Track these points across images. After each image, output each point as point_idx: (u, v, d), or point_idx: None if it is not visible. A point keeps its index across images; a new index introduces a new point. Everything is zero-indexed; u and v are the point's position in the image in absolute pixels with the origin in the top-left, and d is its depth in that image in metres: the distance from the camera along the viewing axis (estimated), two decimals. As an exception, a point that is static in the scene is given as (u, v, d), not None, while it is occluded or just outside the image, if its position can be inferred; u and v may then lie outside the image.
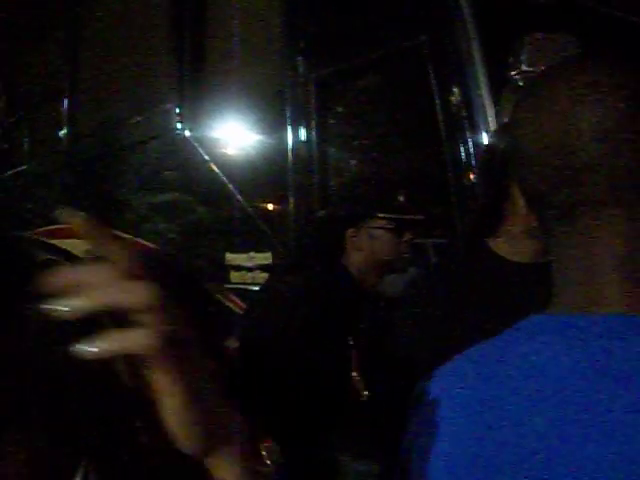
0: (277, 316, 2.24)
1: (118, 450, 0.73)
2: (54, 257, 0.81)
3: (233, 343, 1.96)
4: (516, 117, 0.78)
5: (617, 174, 0.70)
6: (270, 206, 3.35)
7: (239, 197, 3.32)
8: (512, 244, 1.76)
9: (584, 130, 0.70)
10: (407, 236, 2.38)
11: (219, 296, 3.15)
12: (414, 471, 0.81)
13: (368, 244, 2.37)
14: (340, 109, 3.12)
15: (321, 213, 2.78)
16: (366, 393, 2.22)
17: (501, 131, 1.98)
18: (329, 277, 2.35)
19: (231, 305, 3.16)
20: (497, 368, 0.75)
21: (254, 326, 2.33)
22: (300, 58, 3.09)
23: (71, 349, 0.54)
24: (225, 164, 3.49)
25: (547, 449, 0.65)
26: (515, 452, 0.68)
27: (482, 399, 0.75)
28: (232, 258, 3.30)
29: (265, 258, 3.16)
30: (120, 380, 0.61)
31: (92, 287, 0.53)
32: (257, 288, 2.82)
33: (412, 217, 2.39)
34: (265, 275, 3.06)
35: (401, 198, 2.44)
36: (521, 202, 1.70)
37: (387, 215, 2.36)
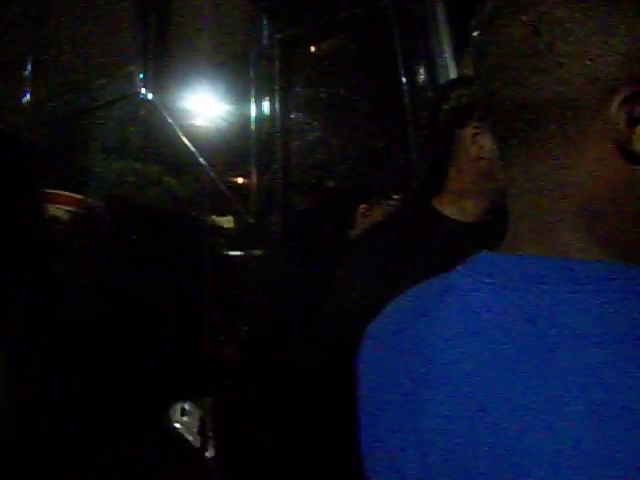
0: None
1: None
2: None
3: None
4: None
5: (510, 105, 0.66)
6: (234, 165, 3.34)
7: (201, 160, 3.30)
8: (456, 203, 1.78)
9: (489, 55, 0.67)
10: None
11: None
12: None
13: (375, 216, 2.36)
14: (304, 71, 3.10)
15: (330, 184, 2.78)
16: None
17: (445, 88, 1.99)
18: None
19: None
20: (433, 304, 0.74)
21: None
22: (264, 20, 3.05)
23: None
24: (189, 127, 3.46)
25: (475, 386, 0.64)
26: (444, 389, 0.67)
27: (415, 335, 0.74)
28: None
29: (226, 222, 3.15)
30: None
31: None
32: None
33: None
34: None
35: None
36: (464, 162, 1.72)
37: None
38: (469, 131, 1.73)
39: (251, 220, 3.02)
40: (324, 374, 1.87)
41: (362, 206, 2.37)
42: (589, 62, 0.62)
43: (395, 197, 2.34)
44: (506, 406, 0.60)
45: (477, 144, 1.72)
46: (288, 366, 2.23)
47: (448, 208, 1.79)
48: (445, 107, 1.76)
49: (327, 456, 2.02)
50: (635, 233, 0.65)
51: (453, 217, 1.77)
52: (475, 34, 0.72)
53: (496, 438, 0.60)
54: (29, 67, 4.79)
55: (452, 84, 2.01)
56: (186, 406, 2.74)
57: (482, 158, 1.72)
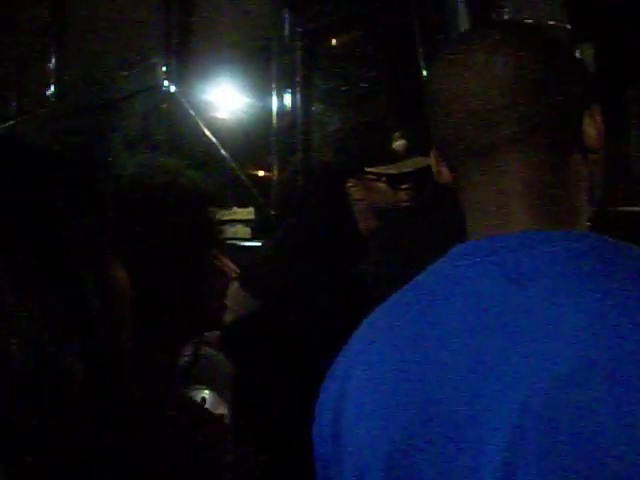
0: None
1: None
2: None
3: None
4: (433, 75, 0.88)
5: (527, 115, 0.80)
6: (255, 157, 3.36)
7: (223, 152, 3.33)
8: None
9: (499, 77, 0.80)
10: (406, 185, 2.31)
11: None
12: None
13: (365, 195, 2.36)
14: (325, 64, 3.11)
15: (318, 165, 2.78)
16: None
17: None
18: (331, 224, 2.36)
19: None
20: (425, 290, 0.84)
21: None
22: (286, 13, 3.07)
23: None
24: (211, 119, 3.49)
25: (471, 354, 0.74)
26: (441, 365, 0.76)
27: (412, 320, 0.82)
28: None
29: (247, 213, 3.17)
30: None
31: None
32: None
33: (408, 167, 2.30)
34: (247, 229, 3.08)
35: (396, 147, 2.38)
36: None
37: (381, 167, 2.33)
38: None
39: (272, 211, 3.04)
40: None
41: (349, 181, 2.35)
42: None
43: (374, 170, 2.32)
44: (499, 354, 0.72)
45: None
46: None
47: None
48: None
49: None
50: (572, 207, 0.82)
51: None
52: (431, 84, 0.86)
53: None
54: (53, 59, 4.84)
55: None
56: (206, 394, 2.77)
57: None
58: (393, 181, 2.31)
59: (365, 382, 0.83)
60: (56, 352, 0.71)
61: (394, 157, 2.30)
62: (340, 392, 0.86)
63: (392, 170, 2.29)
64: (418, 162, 2.27)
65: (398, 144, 2.31)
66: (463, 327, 0.75)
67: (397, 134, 2.32)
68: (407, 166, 2.28)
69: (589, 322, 0.68)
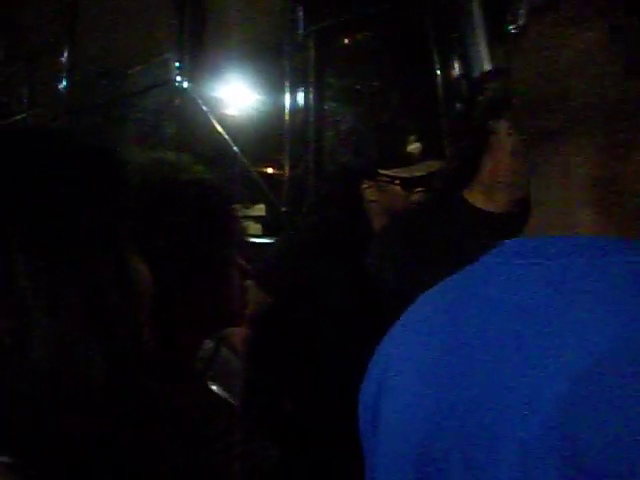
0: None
1: None
2: None
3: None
4: (510, 55, 0.84)
5: (592, 103, 0.74)
6: (267, 154, 3.36)
7: (235, 148, 3.33)
8: (487, 194, 1.79)
9: (566, 59, 0.74)
10: (419, 188, 2.33)
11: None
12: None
13: (379, 197, 2.37)
14: (338, 62, 3.11)
15: (334, 166, 2.79)
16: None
17: (481, 80, 1.98)
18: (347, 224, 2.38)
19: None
20: (467, 288, 0.81)
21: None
22: (299, 11, 3.07)
23: None
24: (223, 116, 3.49)
25: (507, 358, 0.71)
26: (479, 364, 0.73)
27: (452, 316, 0.80)
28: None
29: (259, 210, 3.18)
30: None
31: None
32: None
33: (421, 171, 2.33)
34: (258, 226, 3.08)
35: (411, 150, 2.39)
36: (498, 154, 1.73)
37: (395, 170, 2.35)
38: (504, 123, 1.73)
39: (283, 209, 3.05)
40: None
41: (364, 186, 2.37)
42: None
43: (386, 172, 2.34)
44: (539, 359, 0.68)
45: (512, 137, 1.72)
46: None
47: (479, 199, 1.80)
48: (481, 99, 1.77)
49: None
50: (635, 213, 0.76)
51: (484, 208, 1.79)
52: (532, 32, 0.79)
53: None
54: (65, 54, 4.84)
55: (488, 76, 2.01)
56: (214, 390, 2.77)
57: (516, 150, 1.72)
58: (406, 184, 2.33)
59: (405, 366, 0.82)
60: (76, 350, 0.71)
61: (408, 160, 2.32)
62: (382, 372, 0.85)
63: (405, 174, 2.31)
64: (431, 166, 2.29)
65: (413, 147, 2.32)
66: (499, 326, 0.73)
67: (412, 137, 2.33)
68: (420, 170, 2.30)
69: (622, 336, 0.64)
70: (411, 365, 0.82)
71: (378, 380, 0.86)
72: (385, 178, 2.33)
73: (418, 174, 2.30)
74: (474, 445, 0.71)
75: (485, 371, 0.72)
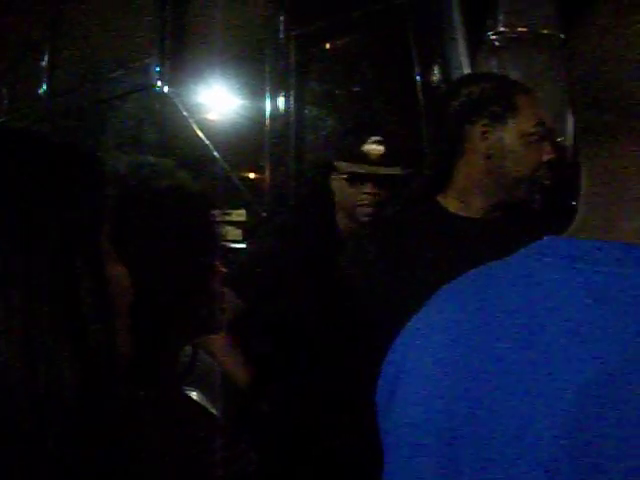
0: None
1: None
2: None
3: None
4: (570, 37, 0.76)
5: (629, 98, 0.68)
6: (247, 159, 3.36)
7: (215, 153, 3.33)
8: (462, 200, 1.79)
9: (619, 47, 0.68)
10: (369, 188, 2.29)
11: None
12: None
13: (336, 192, 2.36)
14: (319, 67, 3.11)
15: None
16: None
17: (456, 84, 1.99)
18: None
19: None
20: (494, 287, 0.76)
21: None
22: (280, 16, 3.07)
23: None
24: (204, 120, 3.49)
25: (534, 365, 0.67)
26: (503, 369, 0.69)
27: (475, 316, 0.76)
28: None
29: (239, 215, 3.18)
30: None
31: None
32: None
33: (375, 169, 2.29)
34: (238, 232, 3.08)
35: (367, 150, 2.31)
36: (472, 158, 1.73)
37: (349, 165, 2.30)
38: (478, 128, 1.74)
39: (264, 213, 3.05)
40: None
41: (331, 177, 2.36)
42: None
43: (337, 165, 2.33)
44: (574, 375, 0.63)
45: (486, 141, 1.73)
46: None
47: (453, 204, 1.80)
48: (455, 103, 1.77)
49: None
50: None
51: (458, 213, 1.79)
52: (582, 25, 0.73)
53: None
54: (46, 58, 4.82)
55: (463, 80, 2.01)
56: (194, 395, 2.77)
57: (490, 155, 1.73)
58: (353, 180, 2.30)
59: (422, 357, 0.79)
60: (46, 352, 0.70)
61: (365, 160, 2.28)
62: (400, 363, 0.82)
63: (352, 168, 2.28)
64: (384, 170, 2.27)
65: (372, 148, 2.30)
66: (525, 329, 0.68)
67: (373, 138, 2.30)
68: (375, 170, 2.27)
69: None
70: (427, 369, 0.78)
71: (392, 381, 0.83)
72: (338, 171, 2.32)
73: (364, 171, 2.28)
74: (489, 452, 0.67)
75: (509, 381, 0.68)
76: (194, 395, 2.81)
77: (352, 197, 2.31)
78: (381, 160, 2.29)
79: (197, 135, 3.42)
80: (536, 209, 1.85)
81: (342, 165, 2.31)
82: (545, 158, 1.74)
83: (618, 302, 0.64)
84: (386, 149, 2.29)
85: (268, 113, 3.11)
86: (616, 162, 0.70)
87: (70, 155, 0.81)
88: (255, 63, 3.23)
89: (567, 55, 0.74)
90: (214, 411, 2.63)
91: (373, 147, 2.30)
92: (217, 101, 3.52)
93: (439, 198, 1.81)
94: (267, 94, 3.12)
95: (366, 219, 2.29)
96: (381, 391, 0.86)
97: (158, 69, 3.72)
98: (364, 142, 2.30)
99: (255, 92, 3.22)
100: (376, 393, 0.87)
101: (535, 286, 0.70)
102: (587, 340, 0.63)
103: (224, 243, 3.12)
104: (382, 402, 0.85)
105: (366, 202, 2.29)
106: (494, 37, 2.17)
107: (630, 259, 0.66)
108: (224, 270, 1.22)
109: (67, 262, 0.74)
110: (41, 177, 0.76)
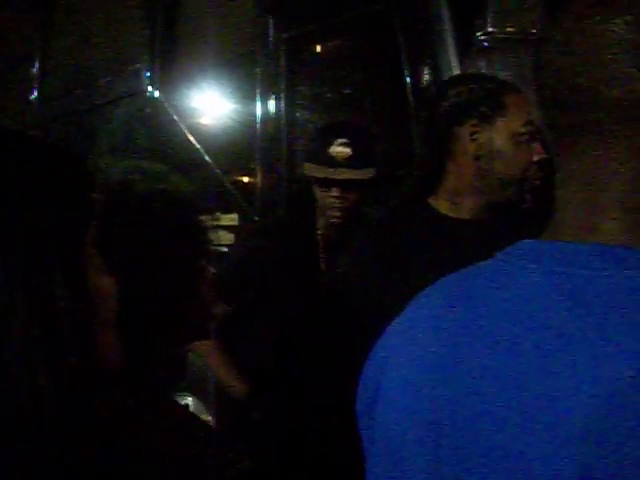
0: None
1: None
2: None
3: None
4: (545, 37, 0.75)
5: (626, 99, 0.67)
6: (239, 163, 3.36)
7: (207, 158, 3.32)
8: (452, 201, 1.79)
9: (599, 48, 0.68)
10: (335, 192, 2.27)
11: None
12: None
13: (316, 195, 2.35)
14: (310, 70, 3.12)
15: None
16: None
17: (444, 85, 1.98)
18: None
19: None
20: (473, 290, 0.76)
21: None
22: (271, 19, 3.08)
23: None
24: (195, 125, 3.49)
25: (516, 368, 0.66)
26: (485, 372, 0.69)
27: (455, 319, 0.75)
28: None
29: (231, 219, 3.17)
30: None
31: None
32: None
33: (340, 172, 2.26)
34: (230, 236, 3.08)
35: (333, 153, 2.28)
36: (461, 159, 1.73)
37: (314, 168, 2.29)
38: (467, 129, 1.73)
39: (256, 218, 3.05)
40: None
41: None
42: None
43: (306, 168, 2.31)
44: (554, 381, 0.62)
45: (475, 142, 1.73)
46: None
47: (444, 206, 1.80)
48: (444, 104, 1.77)
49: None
50: None
51: (449, 215, 1.79)
52: (549, 30, 0.74)
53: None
54: (37, 64, 4.81)
55: (451, 81, 2.01)
56: (189, 401, 2.76)
57: (480, 156, 1.73)
58: (321, 184, 2.29)
59: (403, 362, 0.78)
60: (16, 361, 0.69)
61: (330, 163, 2.26)
62: (380, 369, 0.81)
63: (321, 174, 2.27)
64: (349, 173, 2.24)
65: (338, 150, 2.27)
66: (509, 336, 0.68)
67: (339, 140, 2.27)
68: (334, 174, 2.25)
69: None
70: (408, 372, 0.77)
71: (374, 386, 0.82)
72: (308, 175, 2.31)
73: (324, 175, 2.26)
74: (482, 465, 0.66)
75: (492, 384, 0.67)
76: (189, 401, 2.81)
77: (322, 200, 2.31)
78: (348, 163, 2.26)
79: (188, 139, 3.41)
80: (527, 209, 1.84)
81: (309, 168, 2.31)
82: (535, 158, 1.74)
83: (597, 304, 0.63)
84: (353, 151, 2.26)
85: (259, 117, 3.11)
86: (590, 164, 0.70)
87: (53, 157, 0.80)
88: (246, 67, 3.23)
89: (534, 59, 0.74)
90: (208, 417, 2.64)
91: (339, 149, 2.27)
92: (208, 105, 3.52)
93: (430, 200, 1.81)
94: (258, 98, 3.12)
95: (335, 221, 2.29)
96: (362, 398, 0.85)
97: (149, 74, 3.71)
98: (330, 144, 2.27)
99: (246, 96, 3.22)
100: (356, 400, 0.86)
101: (514, 289, 0.70)
102: (568, 343, 0.63)
103: (216, 247, 3.11)
104: (363, 409, 0.84)
105: (334, 205, 2.28)
106: (483, 38, 2.17)
107: (608, 260, 0.66)
108: (213, 275, 1.22)
109: (44, 267, 0.73)
110: (21, 178, 0.75)
